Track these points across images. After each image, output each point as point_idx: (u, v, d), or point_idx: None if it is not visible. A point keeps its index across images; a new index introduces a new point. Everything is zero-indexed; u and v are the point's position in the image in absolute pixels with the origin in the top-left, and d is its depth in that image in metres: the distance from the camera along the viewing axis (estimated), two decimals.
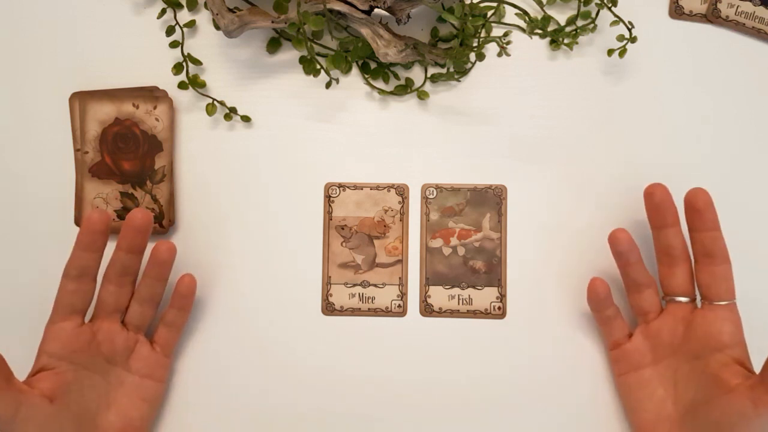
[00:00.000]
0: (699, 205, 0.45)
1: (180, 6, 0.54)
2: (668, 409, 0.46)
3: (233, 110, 0.53)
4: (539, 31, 0.52)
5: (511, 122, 0.54)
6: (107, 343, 0.47)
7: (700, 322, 0.46)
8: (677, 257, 0.47)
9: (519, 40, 0.53)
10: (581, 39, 0.54)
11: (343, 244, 0.53)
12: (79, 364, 0.46)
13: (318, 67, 0.49)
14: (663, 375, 0.47)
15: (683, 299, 0.47)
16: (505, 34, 0.54)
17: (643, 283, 0.48)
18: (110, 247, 0.47)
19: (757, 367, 0.43)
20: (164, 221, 0.53)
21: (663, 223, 0.47)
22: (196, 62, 0.53)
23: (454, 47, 0.50)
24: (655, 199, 0.47)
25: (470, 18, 0.48)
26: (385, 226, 0.53)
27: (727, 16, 0.53)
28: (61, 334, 0.46)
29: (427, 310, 0.53)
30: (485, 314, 0.53)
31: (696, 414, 0.45)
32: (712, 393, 0.44)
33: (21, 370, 0.54)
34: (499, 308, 0.53)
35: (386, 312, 0.53)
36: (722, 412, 0.43)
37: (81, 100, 0.53)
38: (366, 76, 0.53)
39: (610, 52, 0.52)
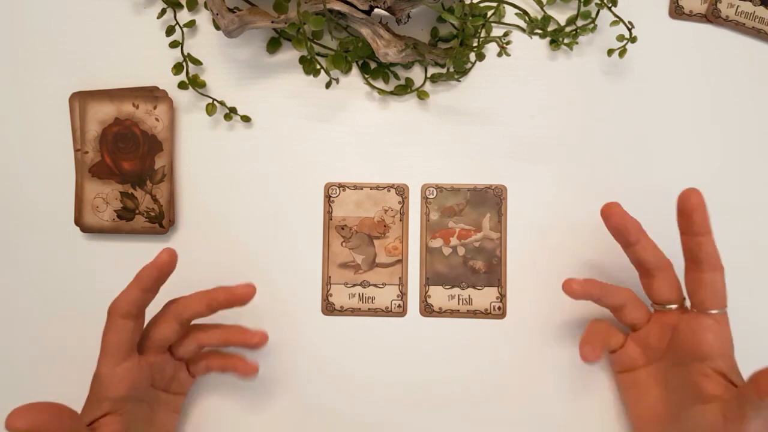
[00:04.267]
0: (687, 208, 0.44)
1: (180, 6, 0.54)
2: (659, 408, 0.46)
3: (233, 110, 0.53)
4: (539, 31, 0.52)
5: (511, 122, 0.54)
6: (159, 373, 0.47)
7: (683, 329, 0.45)
8: (652, 269, 0.46)
9: (519, 40, 0.53)
10: (581, 39, 0.54)
11: (343, 244, 0.53)
12: (136, 399, 0.46)
13: (318, 67, 0.49)
14: (655, 376, 0.47)
15: (670, 306, 0.46)
16: (505, 34, 0.54)
17: (619, 303, 0.47)
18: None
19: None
20: (164, 221, 0.53)
21: (626, 242, 0.46)
22: (196, 62, 0.53)
23: (454, 47, 0.50)
24: (612, 221, 0.46)
25: (470, 18, 0.48)
26: (385, 226, 0.53)
27: (727, 16, 0.53)
28: (127, 376, 0.44)
29: (427, 310, 0.53)
30: (485, 314, 0.53)
31: (678, 417, 0.45)
32: (691, 400, 0.43)
33: (18, 368, 0.54)
34: (499, 308, 0.53)
35: (386, 312, 0.53)
36: (697, 420, 0.43)
37: (81, 100, 0.53)
38: (366, 76, 0.53)
39: (610, 52, 0.52)
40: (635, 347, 0.48)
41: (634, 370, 0.48)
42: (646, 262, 0.46)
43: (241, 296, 0.46)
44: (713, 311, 0.44)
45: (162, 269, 0.44)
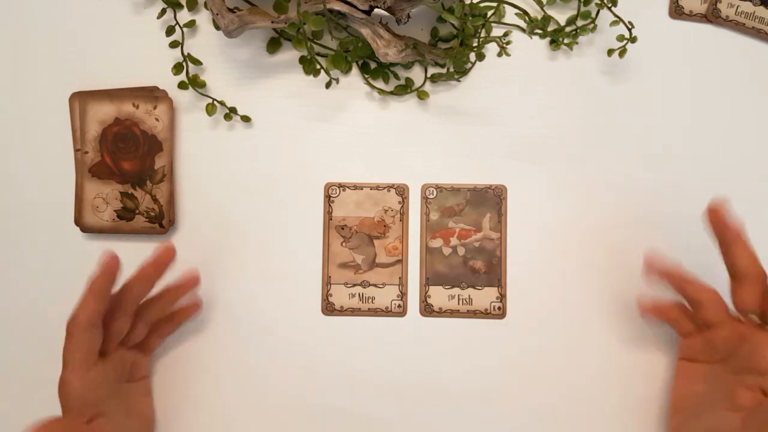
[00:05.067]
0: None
1: (180, 6, 0.54)
2: (694, 404, 0.47)
3: (233, 110, 0.53)
4: (539, 31, 0.52)
5: (511, 122, 0.54)
6: (120, 368, 0.48)
7: (750, 341, 0.44)
8: (737, 275, 0.44)
9: (519, 40, 0.53)
10: (581, 39, 0.54)
11: (343, 244, 0.53)
12: (110, 397, 0.46)
13: (318, 67, 0.49)
14: (706, 375, 0.47)
15: (752, 317, 0.45)
16: (505, 34, 0.54)
17: (695, 300, 0.46)
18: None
19: None
20: (164, 221, 0.53)
21: (722, 241, 0.45)
22: (196, 62, 0.53)
23: (454, 47, 0.50)
24: (713, 219, 0.45)
25: (470, 18, 0.48)
26: (385, 226, 0.53)
27: (727, 16, 0.53)
28: (98, 379, 0.45)
29: (427, 310, 0.53)
30: (485, 314, 0.53)
31: (702, 416, 0.45)
32: (721, 405, 0.44)
33: (18, 367, 0.54)
34: (499, 308, 0.53)
35: (386, 312, 0.53)
36: (717, 423, 0.43)
37: (81, 100, 0.53)
38: (366, 76, 0.53)
39: (610, 52, 0.52)
40: (701, 342, 0.47)
41: (694, 362, 0.48)
42: (733, 267, 0.45)
43: (163, 256, 0.47)
44: None
45: (114, 269, 0.45)
